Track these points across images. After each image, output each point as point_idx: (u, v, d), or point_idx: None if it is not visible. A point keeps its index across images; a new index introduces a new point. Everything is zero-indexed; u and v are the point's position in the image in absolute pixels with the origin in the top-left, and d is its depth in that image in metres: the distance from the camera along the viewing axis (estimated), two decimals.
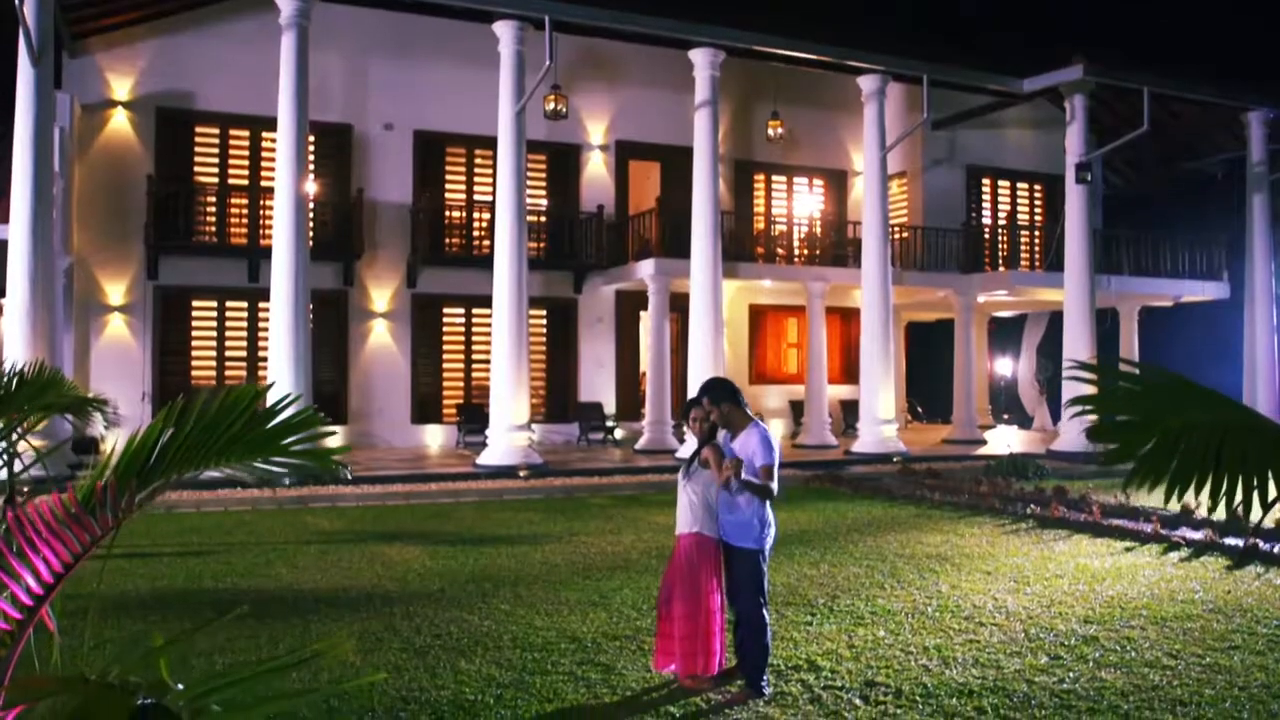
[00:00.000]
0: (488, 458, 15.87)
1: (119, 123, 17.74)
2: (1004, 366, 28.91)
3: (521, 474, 15.30)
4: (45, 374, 5.04)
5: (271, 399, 2.87)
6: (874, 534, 10.72)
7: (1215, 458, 2.29)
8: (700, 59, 17.58)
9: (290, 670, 2.03)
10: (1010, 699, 5.40)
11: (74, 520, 2.43)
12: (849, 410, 22.19)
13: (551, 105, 17.50)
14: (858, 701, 5.38)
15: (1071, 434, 19.36)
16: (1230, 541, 9.72)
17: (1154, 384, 2.57)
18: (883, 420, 18.58)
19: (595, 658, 6.14)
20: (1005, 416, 27.55)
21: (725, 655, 5.67)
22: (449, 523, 11.48)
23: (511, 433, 15.80)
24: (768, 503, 5.59)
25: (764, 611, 5.58)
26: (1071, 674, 5.83)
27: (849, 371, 22.61)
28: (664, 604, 5.62)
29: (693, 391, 5.62)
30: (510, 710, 5.22)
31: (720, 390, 5.70)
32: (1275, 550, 9.33)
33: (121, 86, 17.74)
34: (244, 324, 18.55)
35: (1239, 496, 2.26)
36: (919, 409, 27.08)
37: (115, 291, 17.57)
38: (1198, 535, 10.06)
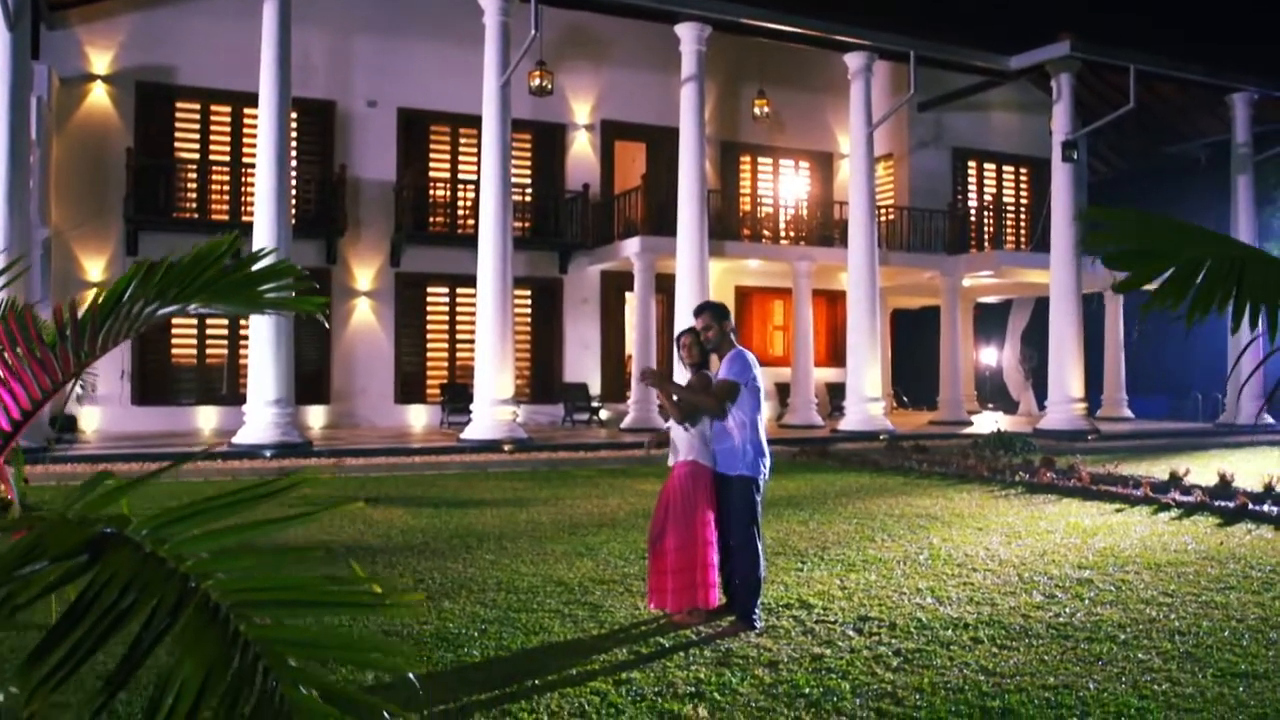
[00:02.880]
0: (472, 432, 15.72)
1: (98, 96, 17.49)
2: (989, 355, 28.88)
3: (506, 448, 15.16)
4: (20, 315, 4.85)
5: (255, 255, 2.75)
6: (863, 498, 10.62)
7: (1237, 283, 2.24)
8: (686, 33, 17.46)
9: (259, 503, 1.92)
10: (1006, 631, 5.31)
11: (34, 359, 2.30)
12: (835, 392, 22.13)
13: (537, 81, 17.35)
14: (851, 633, 5.28)
15: (1058, 413, 19.38)
16: (1220, 503, 9.68)
17: (1165, 222, 2.51)
18: (869, 398, 18.52)
19: (583, 598, 6.02)
20: (990, 405, 27.53)
21: (719, 591, 5.55)
22: (433, 489, 11.31)
23: (496, 407, 15.66)
24: (760, 430, 5.48)
25: (758, 543, 5.47)
26: (1067, 609, 5.75)
27: (835, 354, 22.55)
28: (656, 540, 5.50)
29: (681, 372, 5.56)
30: (495, 642, 5.09)
31: (719, 308, 5.64)
32: (1265, 509, 9.30)
33: (101, 60, 17.48)
34: None
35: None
36: (904, 396, 27.01)
37: (94, 267, 17.31)
38: (1188, 499, 10.02)
